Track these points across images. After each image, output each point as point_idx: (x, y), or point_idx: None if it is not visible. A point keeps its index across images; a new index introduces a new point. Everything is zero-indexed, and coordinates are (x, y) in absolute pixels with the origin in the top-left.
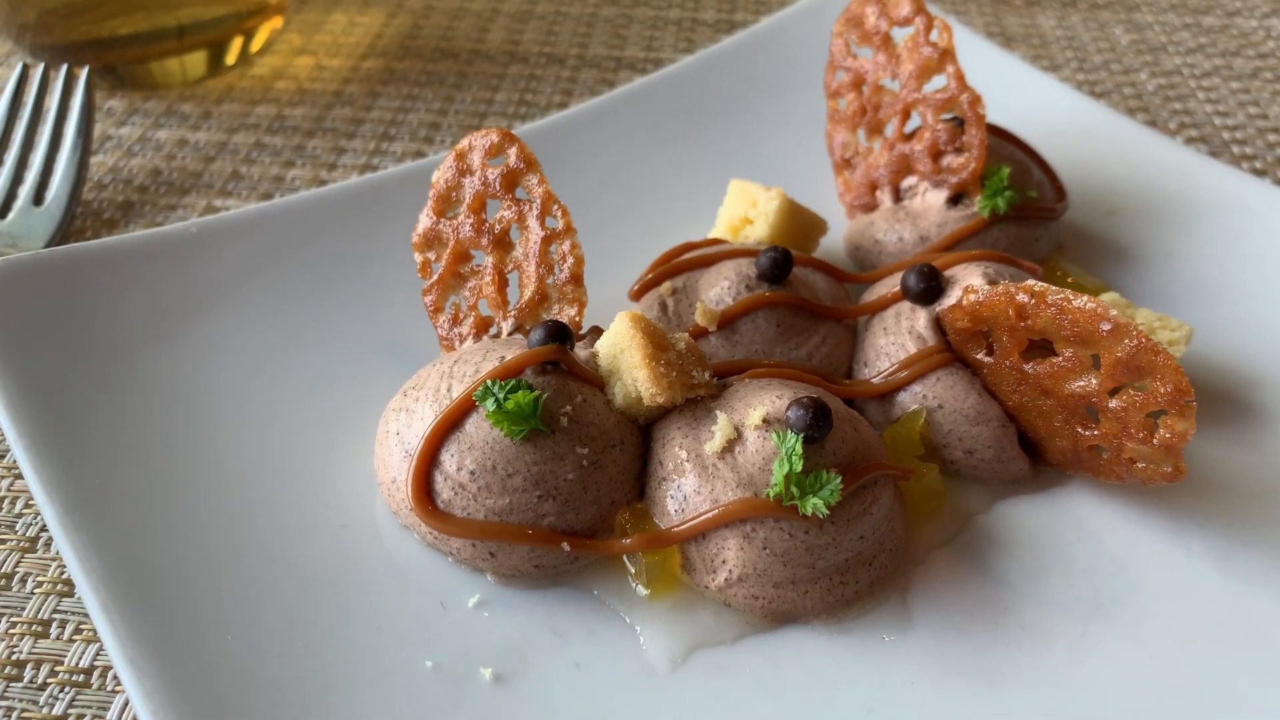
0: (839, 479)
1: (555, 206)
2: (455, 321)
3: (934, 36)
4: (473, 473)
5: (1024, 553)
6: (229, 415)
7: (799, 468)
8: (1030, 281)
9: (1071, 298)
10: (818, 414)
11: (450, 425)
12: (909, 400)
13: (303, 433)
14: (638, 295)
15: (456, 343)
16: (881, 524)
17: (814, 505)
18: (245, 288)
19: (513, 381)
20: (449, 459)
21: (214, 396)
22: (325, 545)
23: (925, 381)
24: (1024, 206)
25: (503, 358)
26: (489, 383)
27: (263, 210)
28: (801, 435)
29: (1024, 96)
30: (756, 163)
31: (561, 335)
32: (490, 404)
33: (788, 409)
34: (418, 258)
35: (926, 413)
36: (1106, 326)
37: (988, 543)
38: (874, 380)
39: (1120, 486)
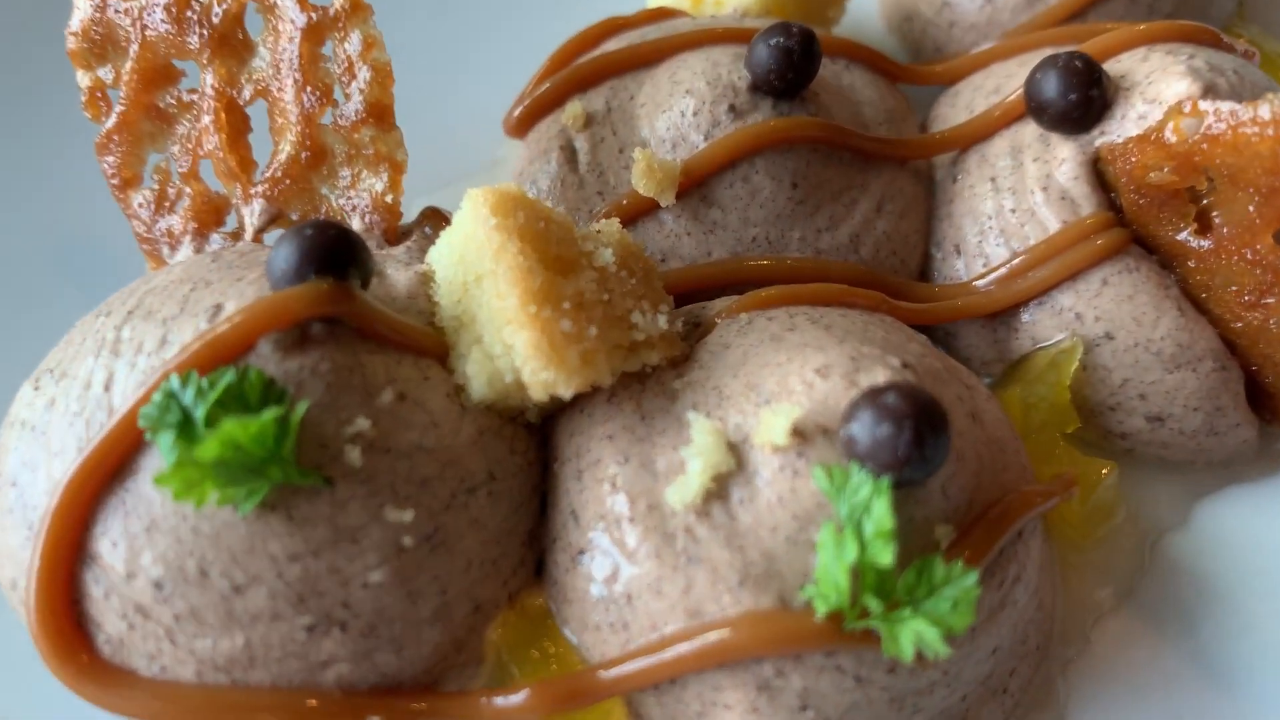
0: (973, 576)
1: None
2: (162, 204)
3: None
4: (158, 584)
5: (1259, 603)
6: None
7: (888, 560)
8: None
9: None
10: (920, 425)
11: (108, 473)
12: (1048, 324)
13: None
14: (520, 128)
15: (166, 249)
16: (1029, 609)
17: (922, 637)
18: None
19: (230, 374)
20: (110, 550)
21: None
22: None
23: (1078, 287)
24: None
25: (219, 306)
26: (173, 381)
27: None
28: (890, 477)
29: None
30: None
31: (342, 254)
32: (167, 440)
33: (851, 410)
34: (83, 79)
35: (1084, 348)
36: None
37: (1192, 588)
38: (977, 284)
39: None
